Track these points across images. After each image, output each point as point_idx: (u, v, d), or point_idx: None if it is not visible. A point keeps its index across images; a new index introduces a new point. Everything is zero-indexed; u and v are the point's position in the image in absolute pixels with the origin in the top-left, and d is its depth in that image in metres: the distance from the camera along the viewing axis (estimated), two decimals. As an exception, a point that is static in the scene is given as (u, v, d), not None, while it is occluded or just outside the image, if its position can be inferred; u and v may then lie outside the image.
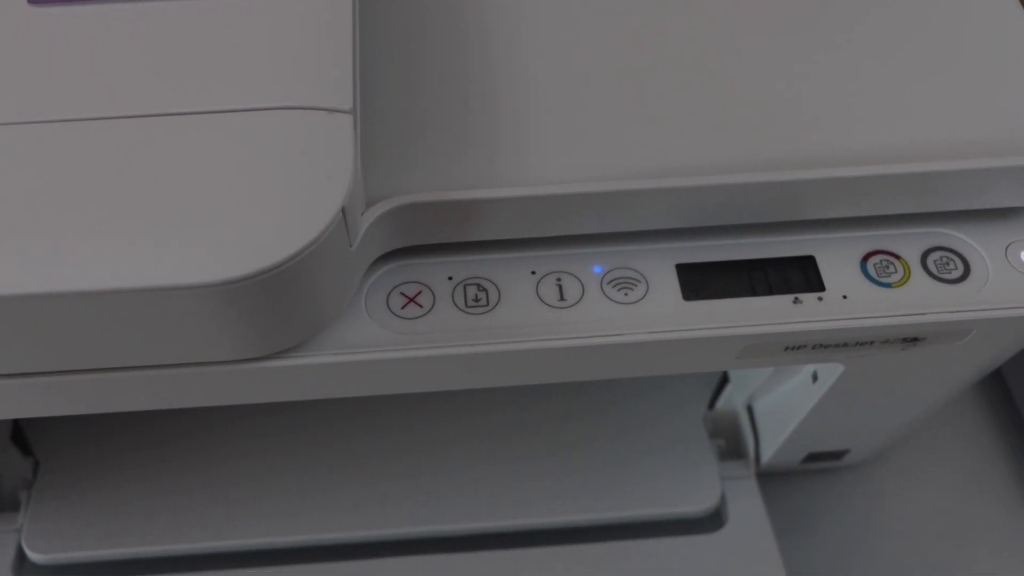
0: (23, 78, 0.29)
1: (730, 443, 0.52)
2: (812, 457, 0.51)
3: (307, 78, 0.29)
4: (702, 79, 0.34)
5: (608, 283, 0.33)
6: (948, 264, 0.33)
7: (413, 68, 0.34)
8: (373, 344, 0.31)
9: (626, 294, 0.32)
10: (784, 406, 0.47)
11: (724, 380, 0.53)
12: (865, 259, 0.33)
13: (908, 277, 0.33)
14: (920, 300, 0.32)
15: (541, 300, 0.32)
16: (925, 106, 0.34)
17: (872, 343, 0.33)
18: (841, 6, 0.36)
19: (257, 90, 0.29)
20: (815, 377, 0.42)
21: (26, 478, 0.49)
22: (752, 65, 0.34)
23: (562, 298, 0.32)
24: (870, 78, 0.34)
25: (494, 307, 0.32)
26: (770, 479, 0.52)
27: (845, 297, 0.32)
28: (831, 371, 0.40)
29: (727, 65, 0.34)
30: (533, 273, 0.33)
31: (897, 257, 0.33)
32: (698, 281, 0.33)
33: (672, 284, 0.33)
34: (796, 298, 0.32)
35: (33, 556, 0.47)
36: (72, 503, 0.48)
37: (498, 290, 0.32)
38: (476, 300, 0.32)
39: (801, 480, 0.54)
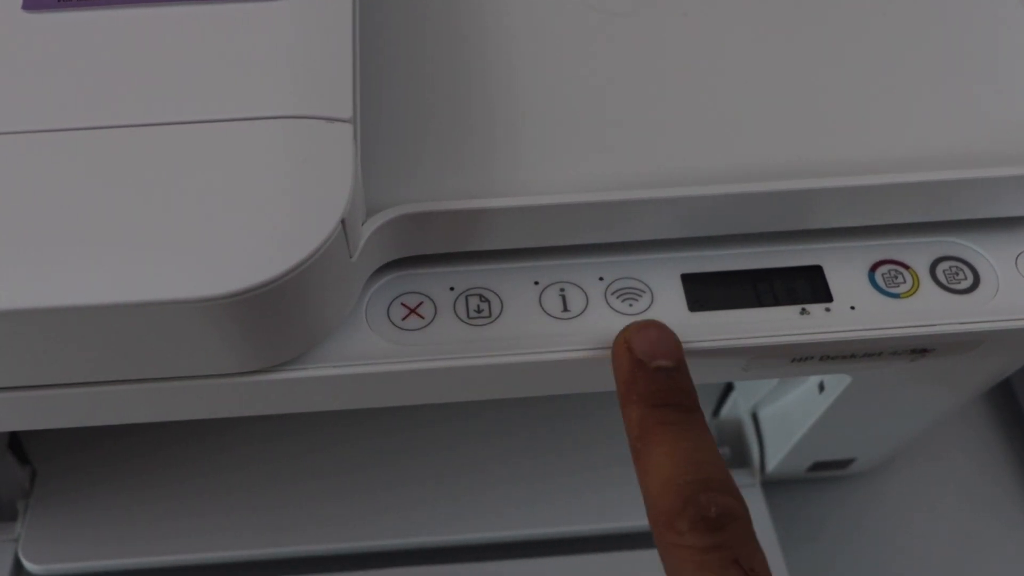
0: (16, 86, 0.28)
1: (735, 451, 0.52)
2: (818, 466, 0.50)
3: (306, 87, 0.28)
4: (707, 86, 0.33)
5: (612, 294, 0.32)
6: (957, 274, 0.33)
7: (414, 76, 0.33)
8: (374, 356, 0.30)
9: (631, 305, 0.32)
10: (790, 415, 0.46)
11: (729, 388, 0.52)
12: (873, 269, 0.33)
13: (917, 287, 0.33)
14: (929, 311, 0.32)
15: (544, 311, 0.32)
16: (934, 114, 0.33)
17: (880, 354, 0.33)
18: (849, 13, 0.36)
19: (255, 99, 0.28)
20: (821, 387, 0.42)
21: (23, 487, 0.49)
22: (758, 72, 0.34)
23: (566, 309, 0.32)
24: (878, 86, 0.34)
25: (496, 318, 0.32)
26: (775, 487, 0.52)
27: (853, 308, 0.32)
28: (838, 381, 0.39)
29: (732, 73, 0.34)
30: (536, 283, 0.32)
31: (906, 267, 0.33)
32: (704, 292, 0.32)
33: (677, 295, 0.32)
34: (803, 309, 0.32)
35: (30, 566, 0.47)
36: (69, 513, 0.48)
37: (500, 301, 0.32)
38: (478, 311, 0.32)
39: (806, 489, 0.53)
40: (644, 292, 0.32)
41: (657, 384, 0.29)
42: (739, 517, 0.26)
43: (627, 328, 0.30)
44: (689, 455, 0.27)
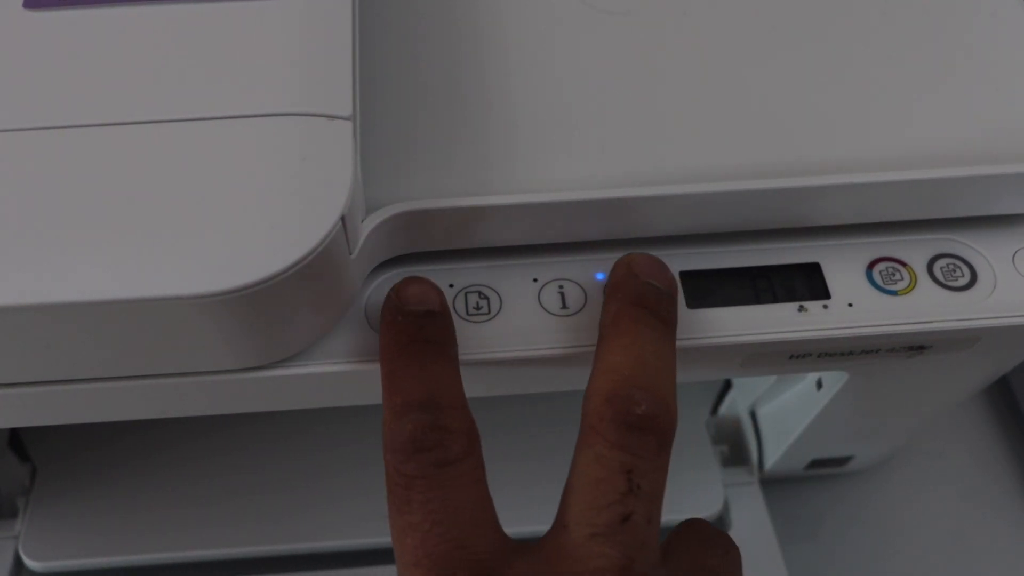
0: (16, 84, 0.29)
1: (733, 449, 0.52)
2: (816, 463, 0.51)
3: (306, 84, 0.28)
4: (706, 84, 0.33)
5: (611, 291, 0.32)
6: (955, 271, 0.33)
7: (413, 73, 0.33)
8: (373, 353, 0.31)
9: (629, 302, 0.32)
10: (788, 413, 0.47)
11: (727, 386, 0.52)
12: (871, 266, 0.33)
13: (914, 285, 0.33)
14: (926, 308, 0.32)
15: (543, 308, 0.32)
16: (932, 112, 0.33)
17: (878, 351, 0.33)
18: (848, 12, 0.36)
19: (255, 96, 0.28)
20: (819, 384, 0.42)
21: (23, 484, 0.49)
22: (757, 71, 0.34)
23: (564, 306, 0.32)
24: (876, 84, 0.34)
25: (496, 315, 0.32)
26: (773, 485, 0.52)
27: (851, 305, 0.32)
28: (836, 378, 0.40)
29: (731, 71, 0.34)
30: (535, 280, 0.32)
31: (903, 264, 0.33)
32: (702, 289, 0.32)
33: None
34: (801, 306, 0.32)
35: (30, 563, 0.47)
36: (70, 510, 0.48)
37: (500, 298, 0.32)
38: (477, 308, 0.32)
39: (805, 486, 0.53)
40: (643, 289, 0.32)
41: (644, 290, 0.28)
42: (659, 430, 0.25)
43: (631, 254, 0.30)
44: (646, 357, 0.27)
